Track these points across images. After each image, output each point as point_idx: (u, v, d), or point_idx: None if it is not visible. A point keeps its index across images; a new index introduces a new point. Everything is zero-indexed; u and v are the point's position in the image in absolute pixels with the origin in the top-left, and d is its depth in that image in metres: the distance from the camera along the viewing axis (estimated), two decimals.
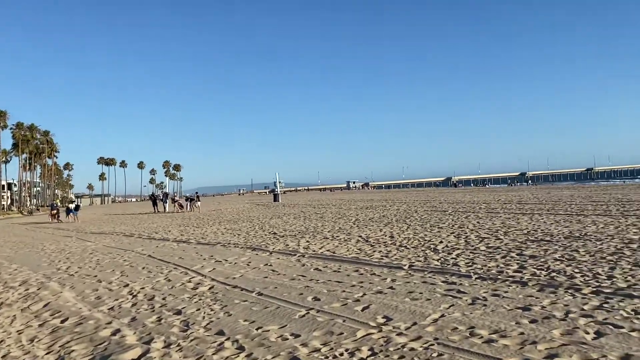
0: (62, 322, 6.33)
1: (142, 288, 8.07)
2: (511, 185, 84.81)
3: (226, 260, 10.34)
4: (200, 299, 6.95)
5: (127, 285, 8.45)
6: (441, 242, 11.11)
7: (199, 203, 36.91)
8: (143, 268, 10.15)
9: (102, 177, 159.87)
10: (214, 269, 9.44)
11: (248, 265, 9.63)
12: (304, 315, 5.70)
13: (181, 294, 7.41)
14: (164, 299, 7.17)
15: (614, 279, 6.48)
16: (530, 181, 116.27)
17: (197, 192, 41.15)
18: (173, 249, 13.09)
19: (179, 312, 6.31)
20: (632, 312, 4.99)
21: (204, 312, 6.19)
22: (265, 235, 15.15)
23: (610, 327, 4.57)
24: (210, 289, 7.64)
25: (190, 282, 8.29)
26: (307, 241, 12.75)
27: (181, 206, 38.01)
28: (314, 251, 10.86)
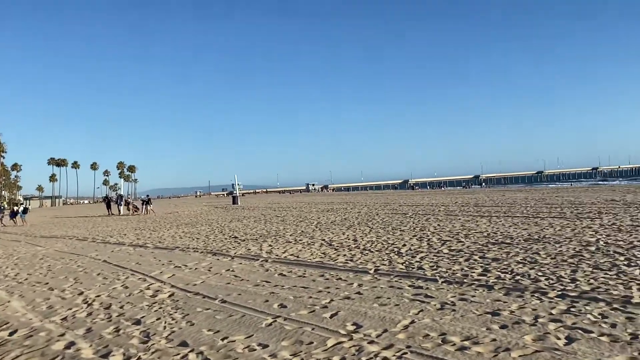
0: (10, 334, 5.91)
1: (98, 296, 7.69)
2: (466, 188, 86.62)
3: (186, 266, 10.02)
4: (160, 307, 6.66)
5: (82, 293, 8.03)
6: (404, 245, 11.11)
7: (150, 206, 36.01)
8: (98, 274, 9.71)
9: (52, 178, 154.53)
10: (173, 275, 9.11)
11: (209, 270, 9.34)
12: (270, 324, 5.52)
13: (140, 302, 7.09)
14: (121, 307, 6.83)
15: (578, 282, 6.57)
16: (483, 184, 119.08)
17: (148, 195, 40.08)
18: (129, 254, 12.62)
19: (138, 322, 6.01)
20: (599, 316, 5.03)
21: (165, 322, 5.92)
22: (226, 239, 14.83)
23: (580, 331, 4.59)
24: (170, 296, 7.35)
25: (149, 289, 7.96)
26: (270, 245, 12.54)
27: (136, 208, 37.00)
28: (277, 255, 10.66)
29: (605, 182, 77.97)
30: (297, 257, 10.33)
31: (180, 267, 9.96)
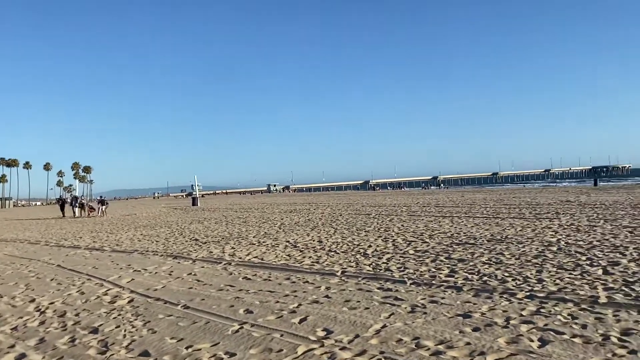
0: None
1: (52, 303, 7.26)
2: (425, 189, 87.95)
3: (145, 270, 9.65)
4: (119, 314, 6.32)
5: (34, 300, 7.57)
6: (370, 246, 11.04)
7: (103, 207, 34.93)
8: (52, 280, 9.22)
9: (2, 179, 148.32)
10: (132, 279, 8.74)
11: (170, 274, 9.01)
12: (237, 331, 5.29)
13: (97, 308, 6.72)
14: (77, 315, 6.46)
15: (544, 283, 6.60)
16: (442, 184, 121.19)
17: (101, 196, 38.86)
18: (85, 258, 12.09)
19: (95, 331, 5.67)
20: (569, 317, 5.04)
21: (125, 330, 5.61)
22: (187, 241, 14.44)
23: (552, 333, 4.56)
24: (129, 302, 7.01)
25: (106, 294, 7.59)
26: (232, 247, 12.25)
27: (92, 209, 35.85)
28: (240, 258, 10.41)
29: (554, 184, 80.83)
30: (262, 259, 10.11)
31: (139, 271, 9.58)
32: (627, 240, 9.92)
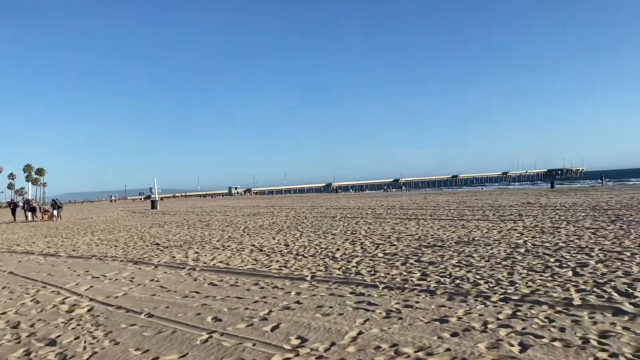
0: None
1: (3, 313, 6.78)
2: (387, 191, 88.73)
3: (105, 276, 9.20)
4: (78, 325, 5.94)
5: None
6: (338, 249, 10.88)
7: (56, 211, 33.58)
8: (4, 288, 8.67)
9: None
10: (91, 286, 8.30)
11: (131, 281, 8.61)
12: (206, 340, 5.02)
13: (54, 318, 6.31)
14: (32, 326, 6.03)
15: (517, 285, 6.57)
16: (403, 187, 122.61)
17: (55, 199, 37.39)
18: (40, 264, 11.49)
19: (52, 343, 5.29)
20: (547, 320, 4.98)
21: (85, 341, 5.25)
22: (147, 246, 13.94)
23: (532, 337, 4.49)
24: (89, 311, 6.62)
25: (63, 303, 7.15)
26: (196, 252, 11.88)
27: (46, 212, 34.49)
28: (205, 263, 10.07)
29: (510, 186, 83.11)
30: (227, 264, 9.80)
31: (98, 277, 9.13)
32: (591, 241, 10.08)
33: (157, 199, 51.69)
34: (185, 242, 14.19)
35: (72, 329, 5.78)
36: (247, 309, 6.19)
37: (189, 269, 9.45)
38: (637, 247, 9.01)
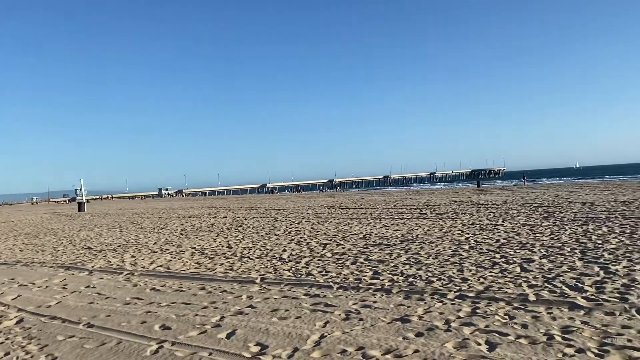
0: None
1: None
2: (322, 191, 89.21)
3: (33, 284, 8.48)
4: (7, 339, 5.37)
5: None
6: (284, 250, 10.63)
7: None
8: None
9: None
10: (19, 295, 7.61)
11: (64, 288, 7.98)
12: (156, 351, 4.65)
13: None
14: None
15: (469, 282, 6.60)
16: (338, 187, 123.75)
17: None
18: None
19: None
20: (507, 317, 4.98)
21: (17, 357, 4.74)
22: (78, 250, 13.08)
23: (497, 335, 4.45)
24: (18, 322, 6.02)
25: None
26: (133, 256, 11.24)
27: None
28: (144, 267, 9.53)
29: (435, 186, 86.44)
30: (168, 268, 9.32)
31: (26, 285, 8.40)
32: (530, 237, 10.40)
33: (84, 200, 49.23)
34: (119, 246, 13.44)
35: (1, 343, 5.21)
36: (197, 315, 5.84)
37: (127, 274, 8.89)
38: (574, 243, 9.36)
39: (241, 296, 6.65)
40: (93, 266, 10.05)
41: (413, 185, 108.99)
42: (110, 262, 10.54)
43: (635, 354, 3.83)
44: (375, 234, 12.53)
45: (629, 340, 4.11)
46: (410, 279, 6.97)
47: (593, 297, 5.50)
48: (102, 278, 8.70)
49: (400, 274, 7.37)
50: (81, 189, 56.98)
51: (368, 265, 8.22)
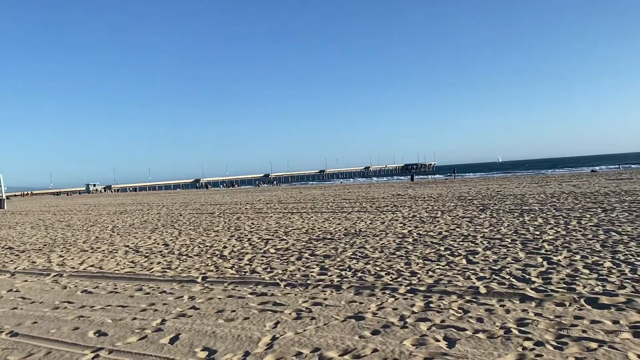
0: None
1: None
2: (258, 186, 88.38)
3: None
4: None
5: None
6: (225, 247, 10.24)
7: None
8: None
9: None
10: None
11: None
12: None
13: None
14: None
15: (418, 275, 6.54)
16: (275, 182, 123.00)
17: None
18: None
19: None
20: (461, 311, 4.92)
21: None
22: None
23: (454, 330, 4.36)
24: None
25: None
26: (60, 256, 10.48)
27: None
28: (73, 268, 8.87)
29: (370, 179, 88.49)
30: (101, 268, 8.73)
31: None
32: (471, 229, 10.58)
33: (3, 197, 46.15)
34: (45, 245, 12.54)
35: None
36: (135, 318, 5.41)
37: (54, 276, 8.24)
38: (514, 234, 9.58)
39: (182, 297, 6.26)
40: (15, 268, 9.26)
41: (349, 180, 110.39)
42: (35, 262, 9.77)
43: (592, 344, 3.84)
44: (318, 228, 12.36)
45: (584, 331, 4.13)
46: (359, 274, 6.84)
47: (541, 288, 5.56)
48: (26, 281, 8.00)
49: (348, 269, 7.22)
50: (0, 185, 53.44)
51: (314, 261, 8.02)
